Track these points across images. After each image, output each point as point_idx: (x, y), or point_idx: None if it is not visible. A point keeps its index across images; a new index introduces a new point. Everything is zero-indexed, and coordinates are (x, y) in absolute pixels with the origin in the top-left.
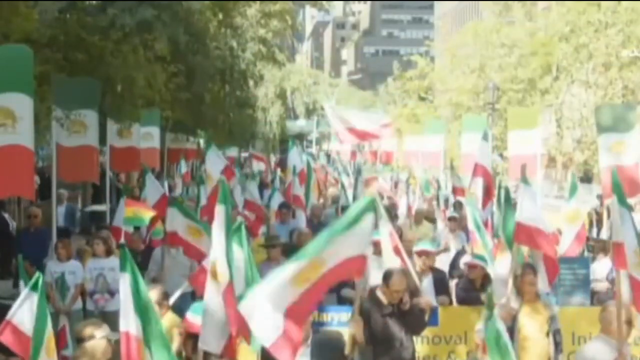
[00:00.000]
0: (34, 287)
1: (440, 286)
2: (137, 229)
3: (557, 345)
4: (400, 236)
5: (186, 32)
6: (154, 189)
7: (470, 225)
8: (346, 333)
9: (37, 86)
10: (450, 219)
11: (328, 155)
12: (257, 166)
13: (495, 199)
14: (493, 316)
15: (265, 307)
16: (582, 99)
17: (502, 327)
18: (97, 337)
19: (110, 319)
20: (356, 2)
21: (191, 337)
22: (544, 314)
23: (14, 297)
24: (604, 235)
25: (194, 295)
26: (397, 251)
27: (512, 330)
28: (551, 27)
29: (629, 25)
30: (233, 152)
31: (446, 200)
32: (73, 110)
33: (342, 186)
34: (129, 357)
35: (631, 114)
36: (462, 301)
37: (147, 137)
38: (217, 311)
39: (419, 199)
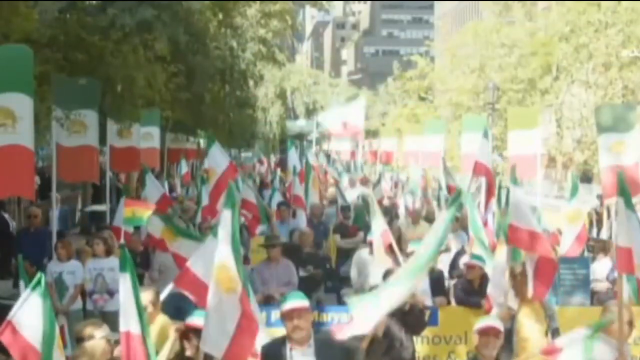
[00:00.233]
0: (35, 287)
1: (437, 286)
2: (137, 229)
3: None
4: (400, 236)
5: (186, 32)
6: (154, 189)
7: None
8: None
9: (37, 86)
10: None
11: (328, 155)
12: (258, 167)
13: (495, 199)
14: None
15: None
16: (582, 99)
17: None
18: (97, 337)
19: (110, 319)
20: (356, 2)
21: (194, 336)
22: (543, 314)
23: (14, 297)
24: (604, 235)
25: None
26: (390, 250)
27: (510, 330)
28: (551, 27)
29: (629, 25)
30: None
31: (446, 200)
32: (73, 110)
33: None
34: (129, 357)
35: (631, 114)
36: (460, 302)
37: (147, 137)
38: (221, 315)
39: (419, 199)
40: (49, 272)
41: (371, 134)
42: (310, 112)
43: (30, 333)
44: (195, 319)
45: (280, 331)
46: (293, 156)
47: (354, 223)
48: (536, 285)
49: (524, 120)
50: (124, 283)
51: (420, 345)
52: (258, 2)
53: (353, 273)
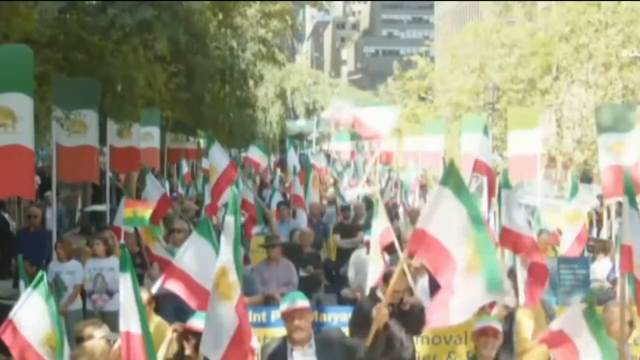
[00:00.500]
0: (37, 286)
1: (437, 287)
2: (135, 230)
3: None
4: (399, 236)
5: (186, 32)
6: (154, 189)
7: None
8: (347, 331)
9: (37, 86)
10: None
11: (328, 155)
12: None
13: (496, 199)
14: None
15: None
16: (582, 99)
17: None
18: (97, 337)
19: (109, 319)
20: (356, 2)
21: (193, 337)
22: (543, 314)
23: (14, 297)
24: (604, 235)
25: None
26: (388, 250)
27: (510, 331)
28: (551, 27)
29: (629, 25)
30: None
31: None
32: (73, 110)
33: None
34: (129, 357)
35: (631, 114)
36: None
37: (147, 137)
38: (218, 322)
39: (420, 198)
40: (49, 272)
41: None
42: (310, 112)
43: (30, 333)
44: (195, 321)
45: (280, 331)
46: (293, 156)
47: (353, 223)
48: (529, 290)
49: (524, 120)
50: (124, 283)
51: (420, 345)
52: (258, 2)
53: (350, 273)
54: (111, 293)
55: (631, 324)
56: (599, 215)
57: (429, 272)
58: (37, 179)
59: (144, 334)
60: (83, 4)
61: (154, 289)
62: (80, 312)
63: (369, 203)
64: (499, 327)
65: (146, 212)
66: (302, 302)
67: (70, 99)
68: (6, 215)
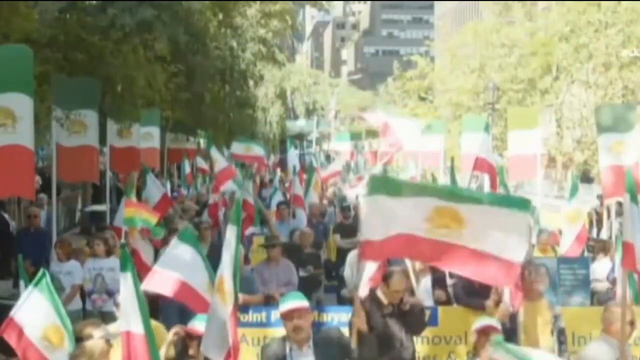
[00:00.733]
0: (37, 284)
1: (440, 286)
2: None
3: (562, 345)
4: None
5: (186, 32)
6: (154, 189)
7: None
8: (347, 331)
9: (37, 86)
10: None
11: (328, 156)
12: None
13: None
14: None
15: None
16: (582, 99)
17: None
18: (96, 337)
19: (109, 319)
20: (356, 2)
21: (196, 339)
22: (548, 313)
23: (14, 297)
24: (604, 235)
25: None
26: None
27: (514, 329)
28: (551, 27)
29: (629, 25)
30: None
31: None
32: (73, 110)
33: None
34: (129, 356)
35: (631, 114)
36: (459, 300)
37: (147, 137)
38: (220, 323)
39: None
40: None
41: (371, 134)
42: (310, 112)
43: (31, 329)
44: (197, 324)
45: (280, 331)
46: (293, 156)
47: (353, 223)
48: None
49: (524, 120)
50: (125, 283)
51: (420, 345)
52: (258, 2)
53: (347, 273)
54: (111, 293)
55: (632, 323)
56: (599, 215)
57: (430, 273)
58: (38, 179)
59: (146, 333)
60: (83, 4)
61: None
62: (80, 312)
63: None
64: (498, 326)
65: (151, 217)
66: (302, 302)
67: (70, 99)
68: (6, 215)
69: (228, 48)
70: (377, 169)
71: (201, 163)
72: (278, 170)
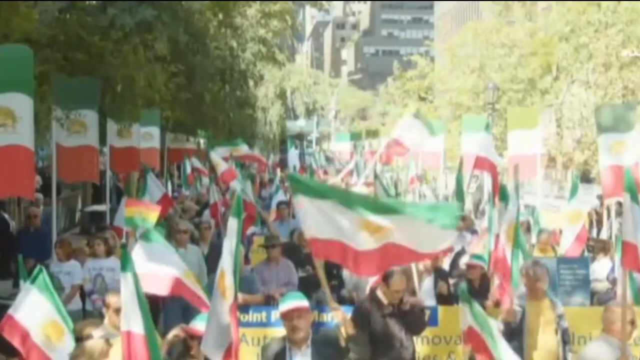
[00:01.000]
0: (34, 281)
1: (443, 280)
2: None
3: (566, 345)
4: None
5: (186, 32)
6: (155, 189)
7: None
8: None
9: (37, 86)
10: None
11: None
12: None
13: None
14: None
15: None
16: (582, 99)
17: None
18: (95, 337)
19: None
20: (356, 2)
21: (197, 338)
22: (551, 313)
23: (14, 297)
24: (604, 235)
25: None
26: None
27: (520, 328)
28: (551, 27)
29: (629, 25)
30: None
31: (446, 200)
32: (73, 110)
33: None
34: (130, 356)
35: (631, 114)
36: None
37: (147, 137)
38: (220, 320)
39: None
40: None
41: (371, 134)
42: (310, 112)
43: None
44: (198, 324)
45: (280, 331)
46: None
47: None
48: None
49: (524, 120)
50: (126, 283)
51: (420, 345)
52: (258, 2)
53: (346, 273)
54: None
55: (633, 323)
56: (599, 215)
57: (437, 272)
58: (38, 179)
59: (146, 333)
60: (83, 4)
61: None
62: (80, 312)
63: None
64: (500, 326)
65: (150, 215)
66: (302, 302)
67: (70, 98)
68: (6, 215)
69: (228, 48)
70: (379, 169)
71: (197, 163)
72: (278, 170)
